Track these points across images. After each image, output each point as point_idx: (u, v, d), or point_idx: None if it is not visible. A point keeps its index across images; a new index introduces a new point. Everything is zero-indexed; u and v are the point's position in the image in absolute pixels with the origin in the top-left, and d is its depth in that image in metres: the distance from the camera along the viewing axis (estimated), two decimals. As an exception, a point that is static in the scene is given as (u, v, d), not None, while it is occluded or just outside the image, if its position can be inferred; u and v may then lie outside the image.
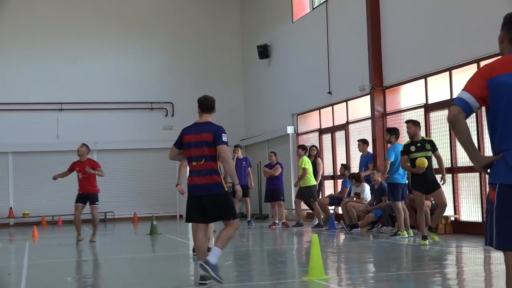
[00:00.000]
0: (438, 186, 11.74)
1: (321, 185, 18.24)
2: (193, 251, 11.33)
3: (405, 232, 12.90)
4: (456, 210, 13.66)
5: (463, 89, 4.03)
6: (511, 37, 4.07)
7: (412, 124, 11.98)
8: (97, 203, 14.57)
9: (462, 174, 13.09)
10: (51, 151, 24.47)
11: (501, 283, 7.23)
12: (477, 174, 12.86)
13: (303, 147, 17.47)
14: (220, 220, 7.93)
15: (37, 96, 24.53)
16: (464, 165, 13.02)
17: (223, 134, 7.82)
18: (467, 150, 4.03)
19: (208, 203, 7.78)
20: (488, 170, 4.02)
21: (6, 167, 24.27)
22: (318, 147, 19.09)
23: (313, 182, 16.86)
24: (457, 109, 3.96)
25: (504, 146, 3.92)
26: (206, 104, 8.22)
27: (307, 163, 16.84)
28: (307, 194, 16.92)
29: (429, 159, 11.71)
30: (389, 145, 13.54)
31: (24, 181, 24.27)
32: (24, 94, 24.39)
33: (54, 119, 24.67)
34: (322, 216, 16.80)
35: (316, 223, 16.63)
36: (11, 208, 23.98)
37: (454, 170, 13.68)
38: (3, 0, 24.44)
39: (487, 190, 4.22)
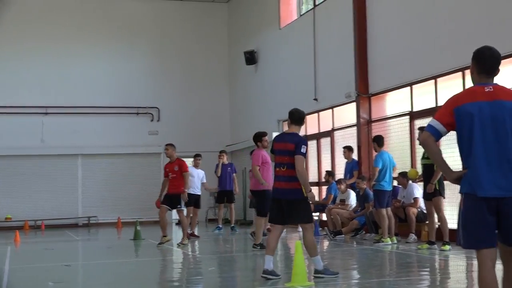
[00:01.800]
0: (435, 195, 11.72)
1: None
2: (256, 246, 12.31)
3: (388, 239, 12.93)
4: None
5: (434, 117, 4.79)
6: (479, 70, 4.76)
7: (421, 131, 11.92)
8: (179, 206, 14.39)
9: (446, 182, 13.09)
10: (36, 155, 24.32)
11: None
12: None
13: None
14: (297, 223, 8.66)
15: (22, 99, 24.38)
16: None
17: (303, 146, 8.52)
18: (440, 167, 4.92)
19: (287, 207, 8.47)
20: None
21: (-11, 170, 24.09)
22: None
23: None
24: (427, 134, 4.75)
25: (467, 164, 4.68)
26: (295, 116, 8.88)
27: None
28: None
29: (430, 167, 11.66)
30: (375, 152, 13.57)
31: (7, 185, 24.08)
32: (9, 97, 24.24)
33: (39, 123, 24.52)
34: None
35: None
36: (-7, 212, 23.80)
37: (438, 177, 13.71)
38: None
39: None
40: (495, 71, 4.76)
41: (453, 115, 4.66)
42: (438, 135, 4.72)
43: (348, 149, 16.25)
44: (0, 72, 24.33)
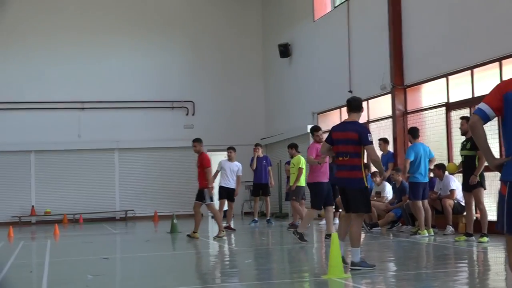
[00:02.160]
0: (476, 187, 11.62)
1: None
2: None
3: (425, 231, 12.85)
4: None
5: (483, 101, 4.84)
6: None
7: (466, 121, 11.74)
8: (204, 200, 14.41)
9: (486, 173, 12.97)
10: (73, 150, 24.66)
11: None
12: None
13: (295, 146, 16.65)
14: (358, 212, 8.66)
15: (59, 95, 24.73)
16: (487, 164, 12.89)
17: (368, 134, 8.57)
18: (483, 152, 4.88)
19: (350, 196, 8.65)
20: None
21: (28, 165, 24.50)
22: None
23: (301, 183, 16.01)
24: (476, 117, 4.79)
25: (511, 151, 4.67)
26: (353, 104, 8.94)
27: (303, 163, 16.36)
28: (294, 193, 16.10)
29: (471, 158, 11.61)
30: (409, 144, 13.50)
31: (46, 180, 24.47)
32: (46, 93, 24.60)
33: (76, 118, 24.85)
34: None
35: (291, 223, 16.57)
36: (33, 206, 24.18)
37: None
38: (25, 0, 24.65)
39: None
40: None
41: (502, 100, 4.74)
42: (487, 119, 4.80)
43: (383, 141, 16.15)
44: (37, 67, 24.68)
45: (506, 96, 4.74)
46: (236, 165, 16.87)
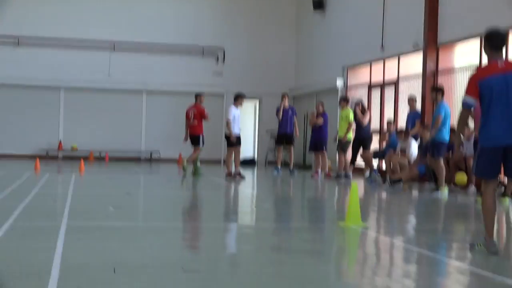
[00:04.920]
0: None
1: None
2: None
3: (446, 189, 12.82)
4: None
5: (466, 93, 6.28)
6: (491, 48, 6.25)
7: None
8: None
9: None
10: (103, 89, 24.84)
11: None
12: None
13: (346, 99, 17.63)
14: None
15: (92, 33, 24.78)
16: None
17: None
18: (459, 131, 6.90)
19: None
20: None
21: (58, 101, 24.74)
22: (366, 102, 19.28)
23: (350, 137, 17.24)
24: (466, 110, 6.40)
25: (484, 123, 6.20)
26: None
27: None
28: (343, 145, 17.37)
29: None
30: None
31: (74, 116, 24.71)
32: (79, 31, 24.66)
33: (107, 58, 24.94)
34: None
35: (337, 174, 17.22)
36: (60, 141, 24.52)
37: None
38: None
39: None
40: (503, 47, 6.29)
41: (478, 87, 6.14)
42: (473, 107, 6.31)
43: (412, 99, 16.06)
44: (72, 5, 24.72)
45: (481, 84, 6.12)
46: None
